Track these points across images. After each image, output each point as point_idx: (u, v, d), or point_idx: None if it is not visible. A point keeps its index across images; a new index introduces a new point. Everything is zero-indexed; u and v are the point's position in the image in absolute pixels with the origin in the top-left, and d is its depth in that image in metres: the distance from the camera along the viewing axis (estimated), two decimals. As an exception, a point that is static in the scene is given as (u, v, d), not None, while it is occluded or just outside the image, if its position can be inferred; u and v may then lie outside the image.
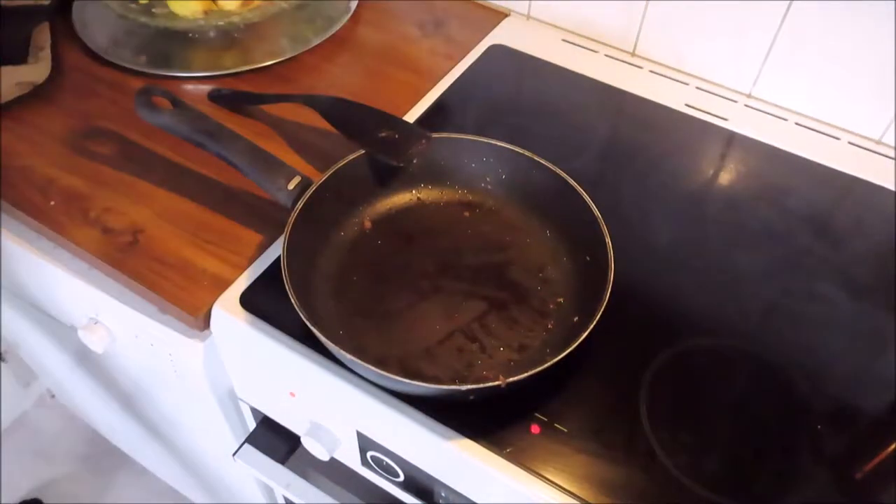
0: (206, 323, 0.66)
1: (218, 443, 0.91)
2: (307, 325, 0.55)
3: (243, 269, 0.67)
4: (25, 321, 1.06)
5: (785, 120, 0.87)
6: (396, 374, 0.55)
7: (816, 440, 0.58)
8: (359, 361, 0.54)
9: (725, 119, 0.86)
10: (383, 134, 0.70)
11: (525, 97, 0.89)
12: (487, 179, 0.71)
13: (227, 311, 0.64)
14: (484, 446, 0.56)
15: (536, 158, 0.68)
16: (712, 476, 0.56)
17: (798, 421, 0.60)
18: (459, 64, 0.91)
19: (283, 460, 0.77)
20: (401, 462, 0.64)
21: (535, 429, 0.57)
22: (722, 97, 0.89)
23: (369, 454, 0.67)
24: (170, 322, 0.70)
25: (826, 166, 0.82)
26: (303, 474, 0.77)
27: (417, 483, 0.65)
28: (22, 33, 0.86)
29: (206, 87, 0.85)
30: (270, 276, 0.66)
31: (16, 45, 0.85)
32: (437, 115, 0.83)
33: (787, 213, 0.77)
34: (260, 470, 0.77)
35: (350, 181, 0.68)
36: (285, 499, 0.97)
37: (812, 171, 0.81)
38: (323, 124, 0.73)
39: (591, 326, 0.56)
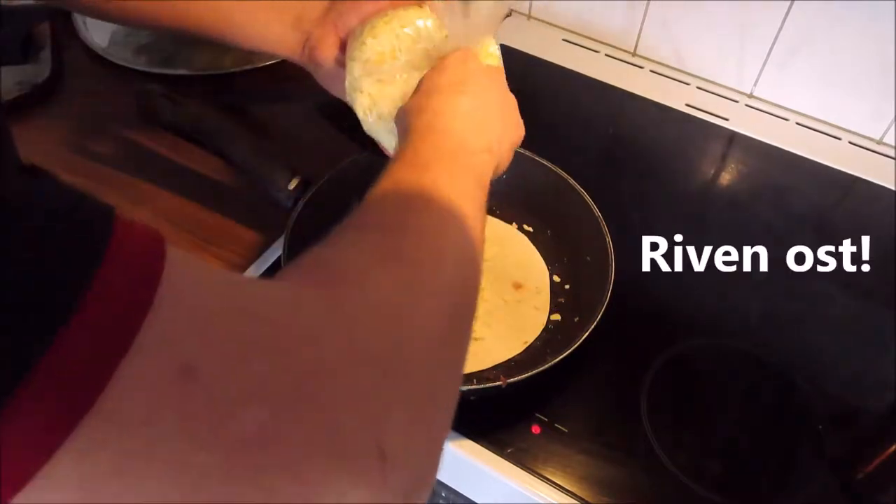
0: (206, 323, 0.66)
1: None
2: (307, 326, 0.55)
3: (244, 269, 0.67)
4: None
5: (786, 120, 0.87)
6: (397, 375, 0.55)
7: (817, 440, 0.58)
8: (359, 362, 0.54)
9: (726, 119, 0.86)
10: (384, 134, 0.70)
11: (525, 97, 0.89)
12: (488, 179, 0.71)
13: (228, 311, 0.64)
14: (484, 446, 0.56)
15: (537, 158, 0.68)
16: (712, 476, 0.56)
17: (798, 421, 0.60)
18: (460, 64, 0.91)
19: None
20: (401, 462, 0.64)
21: (535, 429, 0.57)
22: (723, 97, 0.89)
23: (369, 454, 0.67)
24: (170, 322, 0.70)
25: (827, 166, 0.81)
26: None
27: (418, 483, 0.65)
28: (22, 33, 0.86)
29: (206, 87, 0.85)
30: (271, 276, 0.66)
31: (16, 45, 0.84)
32: (437, 115, 0.83)
33: (788, 212, 0.77)
34: (260, 470, 0.76)
35: (351, 181, 0.67)
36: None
37: (813, 170, 0.81)
38: (323, 124, 0.73)
39: (592, 327, 0.56)
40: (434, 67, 0.51)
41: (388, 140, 0.55)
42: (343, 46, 0.57)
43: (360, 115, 0.55)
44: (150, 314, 0.21)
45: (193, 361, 0.22)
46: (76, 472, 0.19)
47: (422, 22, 0.52)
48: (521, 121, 0.55)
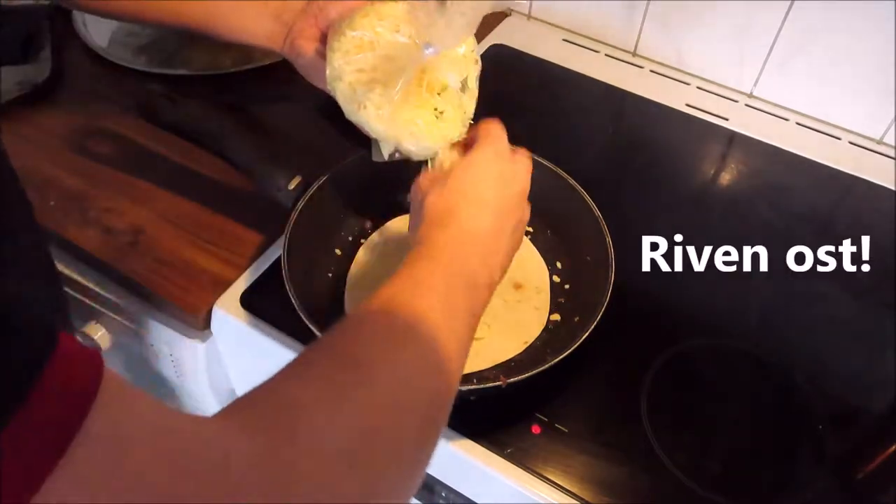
0: (206, 323, 0.66)
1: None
2: (307, 326, 0.55)
3: (243, 269, 0.67)
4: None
5: (786, 120, 0.87)
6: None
7: (817, 440, 0.58)
8: (359, 362, 0.54)
9: (726, 119, 0.86)
10: (384, 134, 0.70)
11: (526, 97, 0.89)
12: (488, 179, 0.71)
13: (228, 312, 0.64)
14: (484, 446, 0.56)
15: (537, 158, 0.68)
16: (712, 476, 0.56)
17: (798, 421, 0.60)
18: (460, 64, 0.91)
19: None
20: (401, 462, 0.64)
21: (535, 429, 0.57)
22: (723, 97, 0.89)
23: (369, 454, 0.67)
24: (170, 322, 0.70)
25: (827, 166, 0.81)
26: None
27: (418, 483, 0.65)
28: (22, 33, 0.86)
29: (206, 87, 0.85)
30: (271, 276, 0.66)
31: (16, 45, 0.84)
32: (437, 115, 0.83)
33: (788, 212, 0.77)
34: (260, 470, 0.76)
35: (350, 181, 0.68)
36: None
37: (813, 170, 0.81)
38: (323, 124, 0.73)
39: (592, 327, 0.56)
40: (465, 161, 0.50)
41: (370, 128, 0.55)
42: (323, 38, 0.59)
43: (342, 103, 0.56)
44: (62, 461, 0.21)
45: None
46: None
47: (397, 19, 0.54)
48: (523, 235, 0.53)
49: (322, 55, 0.57)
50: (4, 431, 0.20)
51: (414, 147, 0.55)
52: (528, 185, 0.52)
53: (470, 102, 0.58)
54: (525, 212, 0.52)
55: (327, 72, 0.56)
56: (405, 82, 0.52)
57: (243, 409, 0.30)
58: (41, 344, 0.22)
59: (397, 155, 0.58)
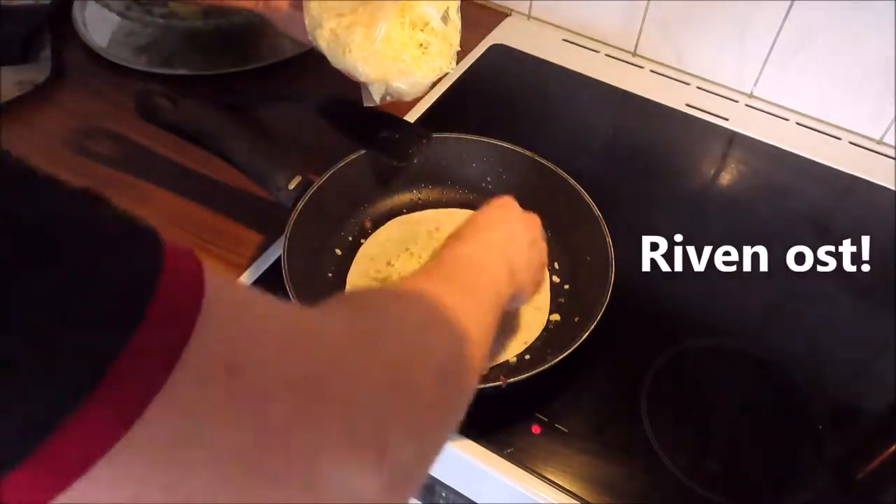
0: (206, 323, 0.66)
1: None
2: (307, 326, 0.55)
3: (244, 269, 0.67)
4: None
5: (786, 120, 0.87)
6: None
7: (817, 440, 0.58)
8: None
9: (726, 119, 0.86)
10: (384, 134, 0.69)
11: (526, 97, 0.89)
12: (488, 179, 0.71)
13: (228, 311, 0.64)
14: (484, 446, 0.56)
15: (537, 158, 0.68)
16: (712, 476, 0.56)
17: (798, 421, 0.60)
18: (460, 63, 0.91)
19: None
20: (401, 462, 0.64)
21: (535, 429, 0.57)
22: (723, 97, 0.89)
23: (369, 454, 0.67)
24: (170, 322, 0.70)
25: (827, 166, 0.82)
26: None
27: (418, 483, 0.65)
28: (22, 33, 0.86)
29: (206, 87, 0.85)
30: (271, 276, 0.66)
31: (16, 45, 0.84)
32: (437, 115, 0.83)
33: (788, 212, 0.77)
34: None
35: (350, 181, 0.68)
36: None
37: (813, 170, 0.81)
38: (323, 124, 0.73)
39: (592, 327, 0.56)
40: (479, 210, 0.53)
41: (358, 71, 0.55)
42: None
43: (326, 51, 0.56)
44: (200, 317, 0.23)
45: (238, 360, 0.24)
46: (138, 458, 0.22)
47: None
48: (545, 269, 0.56)
49: (298, 7, 0.57)
50: (152, 304, 0.22)
51: (404, 84, 0.55)
52: (538, 227, 0.55)
53: (454, 34, 0.58)
54: (538, 231, 0.55)
55: (306, 21, 0.55)
56: (386, 20, 0.52)
57: (328, 304, 0.35)
58: (156, 240, 0.23)
59: (388, 98, 0.58)
